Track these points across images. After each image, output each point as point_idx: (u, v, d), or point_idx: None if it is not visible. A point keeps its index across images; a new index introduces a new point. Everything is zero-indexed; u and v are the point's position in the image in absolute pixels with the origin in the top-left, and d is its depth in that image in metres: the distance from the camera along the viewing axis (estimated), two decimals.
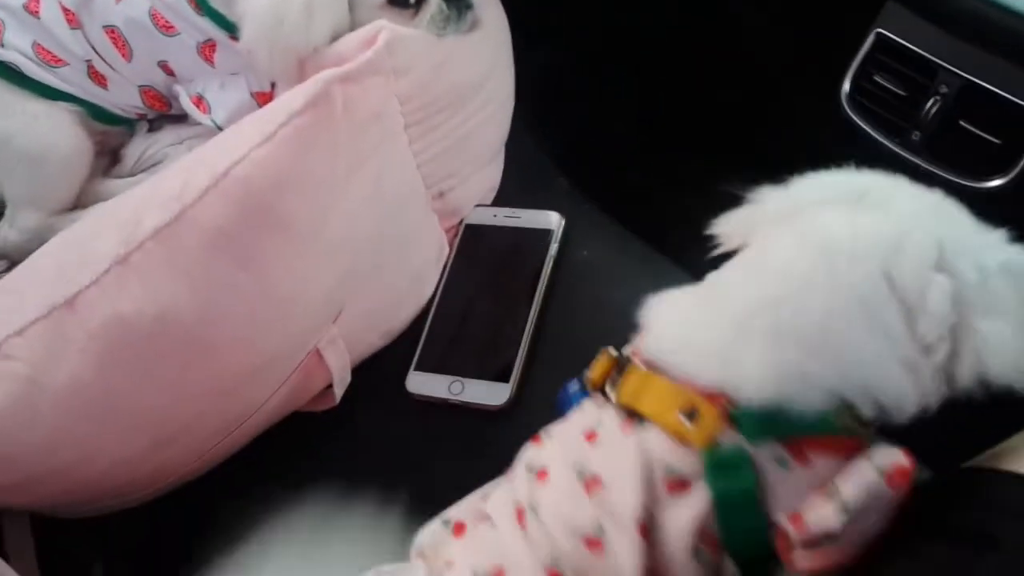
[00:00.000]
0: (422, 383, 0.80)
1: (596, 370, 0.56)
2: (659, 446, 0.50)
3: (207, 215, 0.65)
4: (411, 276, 0.83)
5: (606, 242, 0.87)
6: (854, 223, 0.50)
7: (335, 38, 0.76)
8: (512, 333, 0.79)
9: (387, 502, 0.75)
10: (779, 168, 0.97)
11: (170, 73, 0.87)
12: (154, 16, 0.84)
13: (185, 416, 0.70)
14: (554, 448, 0.56)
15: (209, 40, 0.84)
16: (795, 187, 0.58)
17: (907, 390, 0.48)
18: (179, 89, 0.87)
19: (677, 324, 0.53)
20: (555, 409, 0.61)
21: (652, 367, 0.53)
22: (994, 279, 0.49)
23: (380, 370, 0.82)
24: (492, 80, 0.86)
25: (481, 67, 0.84)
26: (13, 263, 0.85)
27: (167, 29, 0.84)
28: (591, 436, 0.54)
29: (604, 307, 0.81)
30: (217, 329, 0.68)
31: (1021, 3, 0.75)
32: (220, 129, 0.84)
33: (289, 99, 0.68)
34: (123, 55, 0.86)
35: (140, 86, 0.89)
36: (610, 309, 0.82)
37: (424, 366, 0.80)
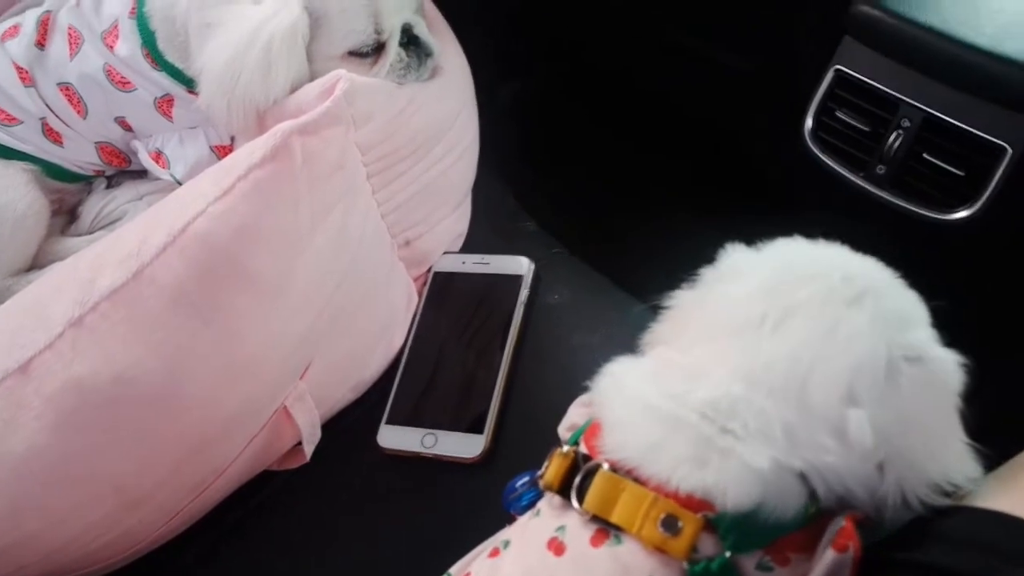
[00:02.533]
0: (394, 437, 0.77)
1: (552, 471, 0.52)
2: (638, 561, 0.47)
3: (166, 273, 0.64)
4: (379, 327, 0.81)
5: (577, 285, 0.86)
6: (761, 351, 0.49)
7: (294, 89, 0.75)
8: (485, 383, 0.78)
9: (362, 560, 0.74)
10: (747, 207, 0.98)
11: (128, 128, 0.86)
12: (109, 72, 0.82)
13: (152, 478, 0.68)
14: (515, 563, 0.52)
15: (166, 95, 0.83)
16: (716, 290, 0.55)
17: (861, 491, 0.47)
18: (137, 144, 0.86)
19: (642, 427, 0.50)
20: (503, 504, 0.58)
21: (619, 470, 0.49)
22: (908, 389, 0.47)
23: (351, 425, 0.80)
24: (455, 126, 0.85)
25: (443, 113, 0.83)
26: None
27: (123, 85, 0.83)
28: (557, 547, 0.50)
29: (577, 352, 0.80)
30: (180, 389, 0.65)
31: (977, 37, 0.77)
32: (180, 184, 0.82)
33: (247, 152, 0.67)
34: (78, 112, 0.84)
35: (97, 142, 0.87)
36: (583, 354, 0.81)
37: (396, 419, 0.78)
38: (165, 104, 0.83)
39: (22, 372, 0.63)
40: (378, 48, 0.78)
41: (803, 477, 0.47)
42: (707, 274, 0.57)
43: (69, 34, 0.83)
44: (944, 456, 0.48)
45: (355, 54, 0.77)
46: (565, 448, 0.53)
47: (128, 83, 0.82)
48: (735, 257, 0.56)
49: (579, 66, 1.17)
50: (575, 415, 0.62)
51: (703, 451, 0.47)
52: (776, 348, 0.48)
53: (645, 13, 1.07)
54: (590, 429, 0.54)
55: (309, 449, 0.76)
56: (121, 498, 0.67)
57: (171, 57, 0.81)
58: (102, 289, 0.63)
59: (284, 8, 0.74)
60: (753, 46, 0.98)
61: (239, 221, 0.65)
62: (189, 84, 0.81)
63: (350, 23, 0.76)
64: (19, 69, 0.84)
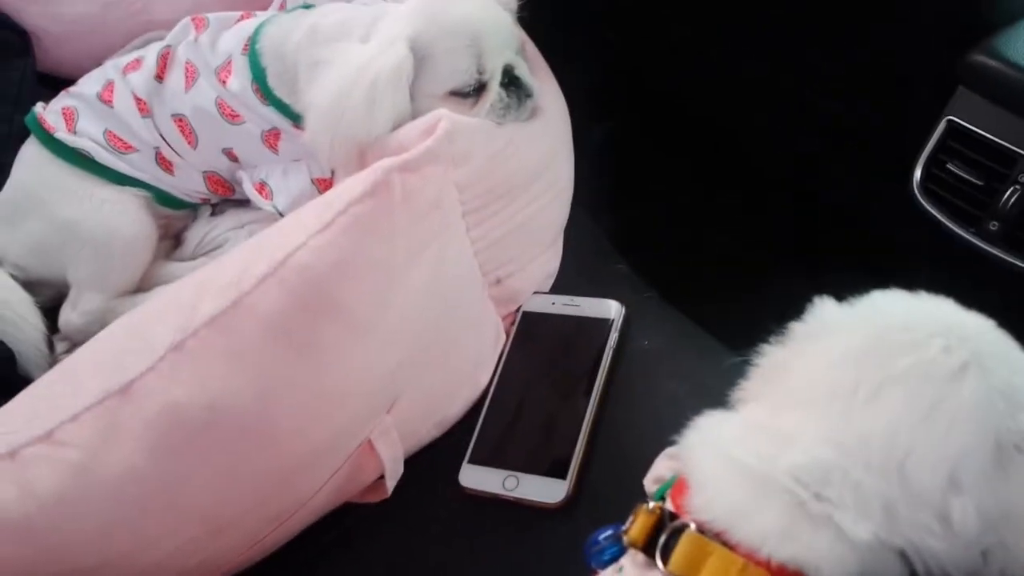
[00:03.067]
0: (476, 477, 0.77)
1: (637, 528, 0.51)
2: None
3: (264, 303, 0.65)
4: (467, 365, 0.81)
5: (667, 331, 0.85)
6: (855, 422, 0.46)
7: (396, 127, 0.76)
8: (570, 427, 0.77)
9: None
10: (852, 259, 0.95)
11: (234, 159, 0.89)
12: (220, 105, 0.86)
13: (239, 505, 0.69)
14: None
15: (273, 128, 0.86)
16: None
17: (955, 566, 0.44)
18: (242, 175, 0.89)
19: (732, 488, 0.48)
20: (585, 557, 0.56)
21: (707, 531, 0.48)
22: (1018, 477, 0.44)
23: (433, 461, 0.79)
24: (551, 167, 0.85)
25: (540, 154, 0.84)
26: (75, 345, 0.86)
27: (233, 118, 0.86)
28: None
29: (666, 401, 0.78)
30: (272, 418, 0.66)
31: None
32: (282, 215, 0.85)
33: (349, 187, 0.68)
34: (189, 142, 0.88)
35: (204, 171, 0.90)
36: (672, 403, 0.79)
37: (478, 459, 0.78)
38: (271, 137, 0.86)
39: (123, 393, 0.64)
40: (479, 88, 0.79)
41: (903, 555, 0.44)
42: (797, 329, 0.54)
43: (186, 68, 0.87)
44: None
45: (457, 93, 0.78)
46: (651, 504, 0.52)
47: (238, 116, 0.85)
48: (825, 313, 0.53)
49: (672, 112, 1.16)
50: (662, 468, 0.60)
51: (796, 518, 0.45)
52: (871, 422, 0.46)
53: (738, 59, 1.06)
54: (677, 485, 0.52)
55: (391, 484, 0.76)
56: (208, 524, 0.68)
57: (280, 93, 0.84)
58: (203, 316, 0.65)
59: (391, 48, 0.76)
60: (858, 93, 0.96)
61: (338, 255, 0.66)
62: (295, 119, 0.84)
63: (454, 63, 0.77)
64: (138, 100, 0.88)
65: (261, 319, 0.65)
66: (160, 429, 0.64)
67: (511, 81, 0.80)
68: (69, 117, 0.89)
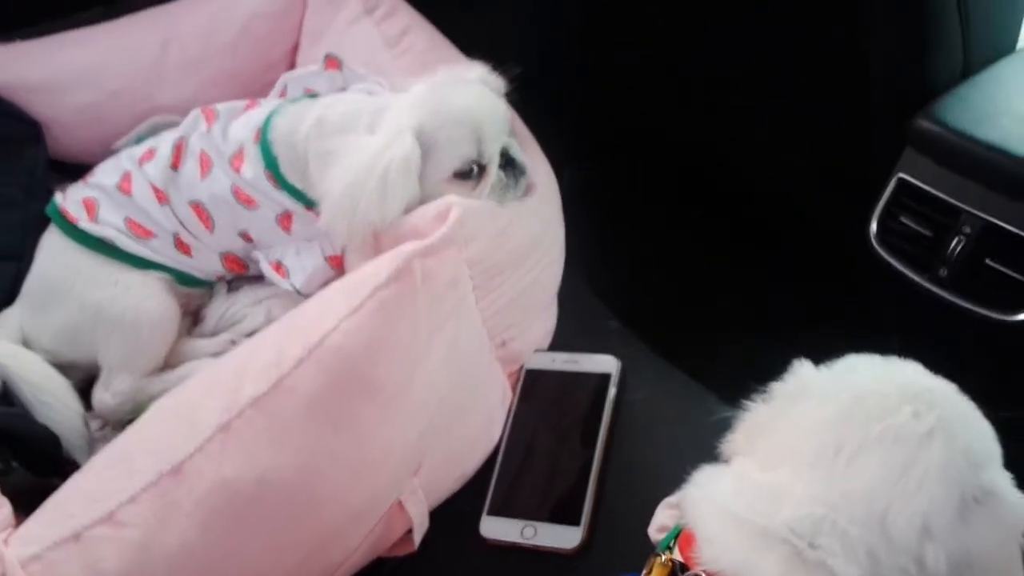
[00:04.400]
0: (495, 527, 0.83)
1: None
2: None
3: (303, 383, 0.71)
4: (480, 423, 0.88)
5: (663, 382, 0.92)
6: (838, 481, 0.53)
7: (407, 211, 0.83)
8: (578, 476, 0.84)
9: None
10: (822, 309, 1.04)
11: (249, 240, 0.95)
12: (235, 192, 0.92)
13: (286, 569, 0.75)
14: None
15: (286, 211, 0.92)
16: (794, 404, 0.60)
17: None
18: (258, 255, 0.95)
19: (735, 542, 0.54)
20: None
21: None
22: (978, 526, 0.52)
23: (454, 514, 0.86)
24: (547, 236, 0.93)
25: (538, 227, 0.91)
26: (107, 423, 0.92)
27: (248, 203, 0.92)
28: None
29: (664, 447, 0.86)
30: (314, 488, 0.73)
31: None
32: (299, 292, 0.91)
33: (373, 272, 0.75)
34: (207, 226, 0.94)
35: (222, 252, 0.96)
36: (670, 449, 0.87)
37: (496, 510, 0.84)
38: (285, 220, 0.92)
39: (175, 474, 0.70)
40: (480, 170, 0.86)
41: None
42: (778, 389, 0.62)
43: (201, 158, 0.93)
44: None
45: (460, 176, 0.86)
46: (663, 557, 0.58)
47: (252, 202, 0.92)
48: (804, 375, 0.61)
49: (645, 156, 1.24)
50: (663, 517, 0.67)
51: (795, 565, 0.52)
52: (853, 481, 0.53)
53: (710, 103, 1.14)
54: (684, 537, 0.59)
55: (418, 538, 0.82)
56: None
57: (292, 179, 0.90)
58: (246, 397, 0.71)
59: (398, 139, 0.83)
60: (820, 151, 1.05)
61: (368, 336, 0.73)
62: (307, 203, 0.90)
63: (457, 150, 0.85)
64: (155, 189, 0.93)
65: (301, 399, 0.71)
66: (212, 505, 0.70)
67: (507, 162, 0.87)
68: (91, 207, 0.95)
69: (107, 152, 1.04)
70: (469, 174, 0.86)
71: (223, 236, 0.94)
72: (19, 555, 0.68)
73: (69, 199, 0.97)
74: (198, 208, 0.93)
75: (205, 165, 0.93)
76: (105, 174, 0.98)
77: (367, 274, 0.75)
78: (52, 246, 0.95)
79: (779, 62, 1.02)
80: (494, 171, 0.86)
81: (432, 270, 0.75)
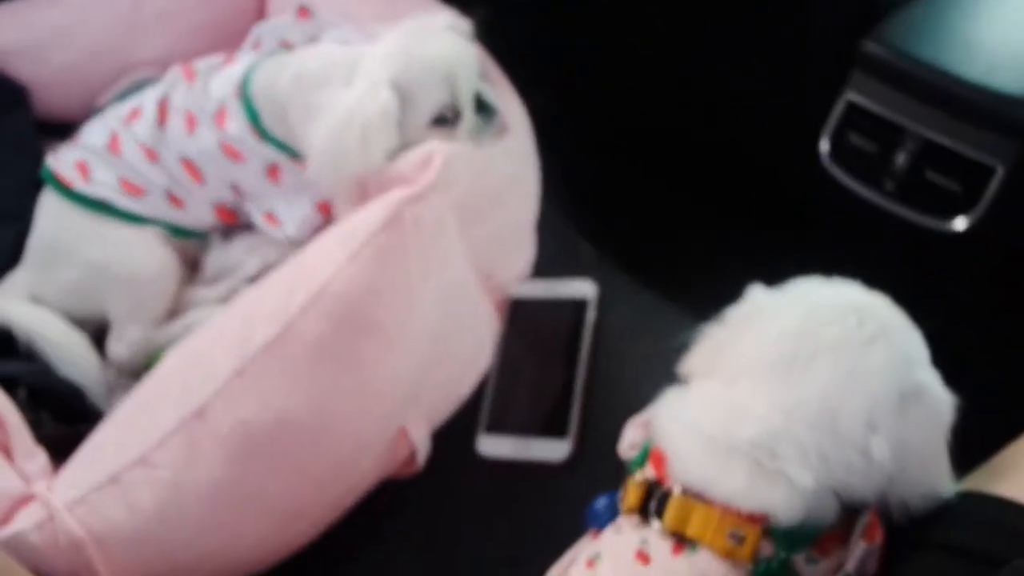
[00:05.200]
0: (490, 444, 0.92)
1: (631, 497, 0.64)
2: (712, 566, 0.59)
3: (309, 328, 0.77)
4: (472, 351, 0.95)
5: (637, 299, 1.00)
6: (795, 388, 0.60)
7: (390, 158, 0.88)
8: (564, 393, 0.92)
9: (471, 556, 0.88)
10: (780, 233, 1.11)
11: (239, 194, 0.99)
12: (223, 147, 0.95)
13: (305, 496, 0.82)
14: (612, 572, 0.63)
15: (273, 164, 0.96)
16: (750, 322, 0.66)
17: (875, 498, 0.61)
18: (250, 207, 0.99)
19: (704, 457, 0.61)
20: (585, 522, 0.69)
21: (688, 492, 0.61)
22: (913, 420, 0.59)
23: (452, 435, 0.93)
24: (522, 174, 0.99)
25: (513, 166, 0.97)
26: (122, 372, 0.97)
27: (235, 157, 0.96)
28: (644, 558, 0.62)
29: (641, 364, 0.93)
30: (326, 423, 0.80)
31: (969, 72, 0.89)
32: (289, 240, 0.96)
33: (366, 220, 0.80)
34: (197, 180, 0.97)
35: (213, 204, 1.00)
36: (646, 366, 0.94)
37: (490, 429, 0.92)
38: (272, 171, 0.96)
39: (198, 417, 0.76)
40: (456, 116, 0.91)
41: (835, 493, 0.60)
42: (733, 312, 0.68)
43: (186, 116, 0.96)
44: (933, 475, 0.62)
45: (438, 123, 0.90)
46: (638, 477, 0.65)
47: (239, 156, 0.95)
48: (758, 299, 0.67)
49: (597, 87, 1.29)
50: (632, 435, 0.72)
51: (756, 476, 0.59)
52: (808, 386, 0.60)
53: (657, 36, 1.19)
54: (654, 455, 0.65)
55: (422, 459, 0.90)
56: (282, 516, 0.82)
57: (276, 132, 0.94)
58: (257, 344, 0.77)
59: (375, 92, 0.86)
60: (766, 75, 1.10)
61: (366, 281, 0.79)
62: (292, 153, 0.94)
63: (433, 97, 0.89)
64: (145, 148, 0.97)
65: (308, 342, 0.78)
66: (233, 445, 0.77)
67: (480, 106, 0.92)
68: (84, 169, 0.98)
69: (91, 110, 1.06)
70: (446, 120, 0.91)
71: (214, 189, 0.98)
72: (63, 499, 0.75)
73: (61, 161, 0.99)
74: (188, 163, 0.97)
75: (191, 122, 0.96)
76: (93, 134, 1.00)
77: (361, 221, 0.81)
78: (50, 209, 0.99)
79: None
80: (469, 116, 0.90)
81: (421, 215, 0.81)
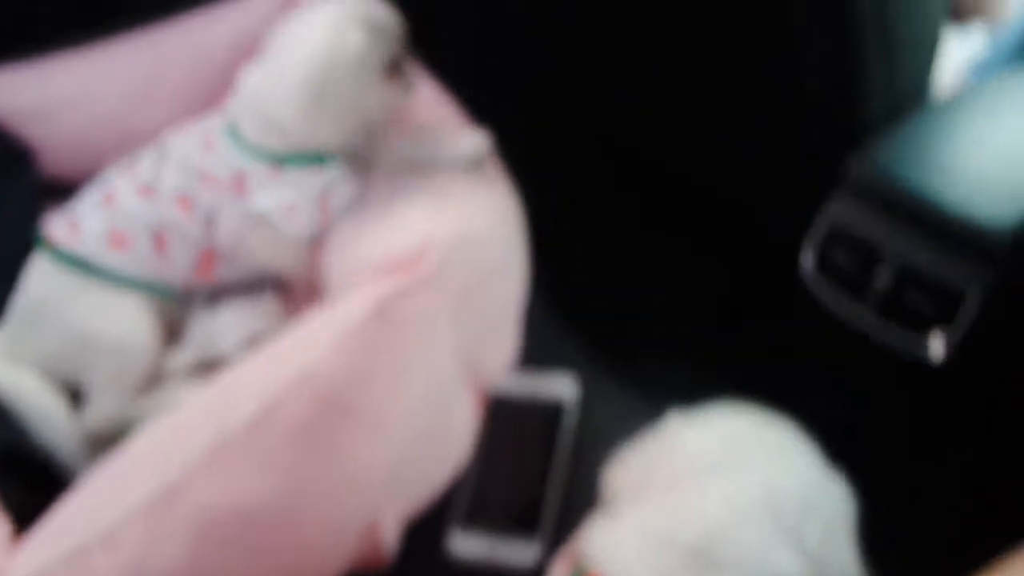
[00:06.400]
0: (461, 543, 0.90)
1: None
2: None
3: (290, 412, 0.77)
4: (450, 444, 0.94)
5: (618, 396, 1.00)
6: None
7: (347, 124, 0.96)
8: (539, 493, 0.91)
9: None
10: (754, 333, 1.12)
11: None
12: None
13: None
14: None
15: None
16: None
17: None
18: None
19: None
20: None
21: None
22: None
23: (422, 529, 0.92)
24: (513, 261, 1.00)
25: (503, 252, 0.98)
26: (96, 442, 0.95)
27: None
28: None
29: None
30: (299, 511, 0.78)
31: (947, 198, 0.93)
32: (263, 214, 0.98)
33: (354, 309, 0.81)
34: (186, 210, 0.98)
35: (200, 248, 0.99)
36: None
37: (462, 526, 0.91)
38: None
39: (167, 496, 0.74)
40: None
41: None
42: (652, 440, 0.72)
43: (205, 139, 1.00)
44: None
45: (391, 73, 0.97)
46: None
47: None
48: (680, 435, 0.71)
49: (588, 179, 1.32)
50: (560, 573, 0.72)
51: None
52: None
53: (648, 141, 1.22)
54: None
55: (390, 553, 0.88)
56: None
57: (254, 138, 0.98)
58: (235, 424, 0.76)
59: (344, 30, 0.93)
60: (751, 182, 1.14)
61: (351, 369, 0.78)
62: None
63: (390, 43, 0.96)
64: (143, 187, 0.98)
65: (287, 427, 0.77)
66: (202, 528, 0.75)
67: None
68: (74, 226, 0.99)
69: (95, 177, 1.06)
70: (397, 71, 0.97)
71: (201, 220, 0.99)
72: (23, 572, 0.73)
73: (54, 222, 1.00)
74: (183, 199, 0.98)
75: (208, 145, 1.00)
76: (91, 191, 1.02)
77: (349, 310, 0.81)
78: (37, 269, 0.98)
79: (715, 90, 1.10)
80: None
81: (410, 309, 0.82)
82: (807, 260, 1.04)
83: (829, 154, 1.02)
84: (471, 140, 1.00)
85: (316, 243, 1.01)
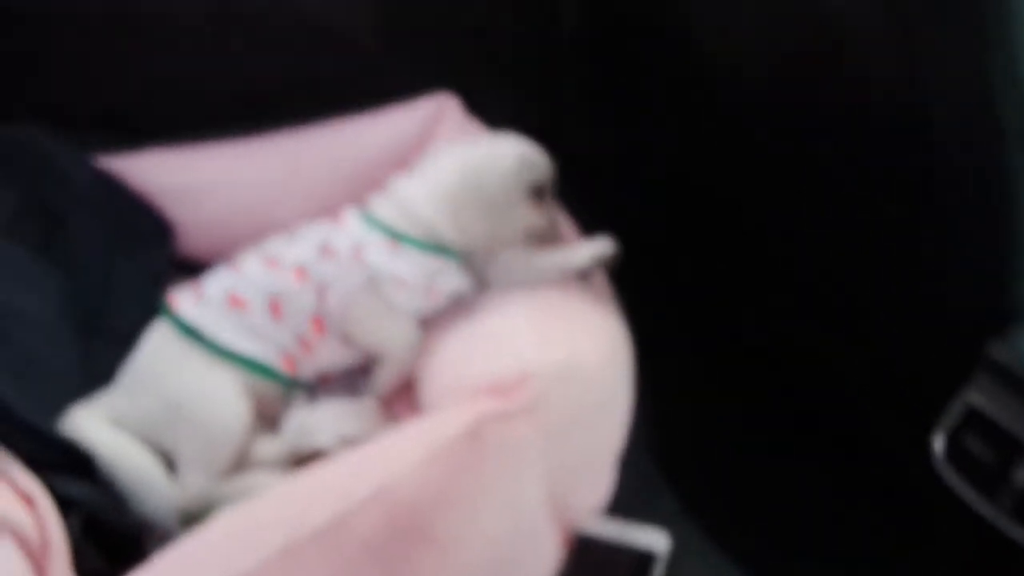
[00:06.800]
0: None
1: None
2: None
3: (364, 524, 0.75)
4: None
5: (710, 560, 0.94)
6: None
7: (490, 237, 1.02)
8: None
9: None
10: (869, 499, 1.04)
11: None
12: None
13: None
14: None
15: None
16: None
17: None
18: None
19: None
20: None
21: None
22: None
23: None
24: (617, 398, 0.96)
25: (609, 390, 0.95)
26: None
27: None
28: None
29: None
30: None
31: None
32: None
33: (446, 425, 0.79)
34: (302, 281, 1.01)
35: (312, 314, 1.00)
36: None
37: None
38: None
39: None
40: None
41: None
42: None
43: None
44: None
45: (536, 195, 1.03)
46: None
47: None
48: None
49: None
50: None
51: None
52: None
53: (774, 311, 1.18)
54: None
55: None
56: None
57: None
58: (307, 528, 0.74)
59: (505, 146, 1.04)
60: (885, 356, 1.07)
61: (434, 488, 0.76)
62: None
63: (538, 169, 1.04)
64: (267, 259, 1.03)
65: (360, 538, 0.75)
66: None
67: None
68: (198, 291, 1.03)
69: (227, 258, 1.11)
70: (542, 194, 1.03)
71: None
72: None
73: (181, 290, 1.04)
74: (299, 269, 1.01)
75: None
76: (221, 267, 1.06)
77: (441, 425, 0.80)
78: (152, 334, 1.02)
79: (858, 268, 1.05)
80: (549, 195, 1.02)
81: (505, 435, 0.80)
82: (938, 444, 0.96)
83: (969, 339, 0.95)
84: (588, 249, 1.01)
85: (420, 346, 1.02)
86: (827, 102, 0.97)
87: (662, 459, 1.07)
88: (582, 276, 1.00)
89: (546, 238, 1.06)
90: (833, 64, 0.95)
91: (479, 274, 1.04)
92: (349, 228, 1.04)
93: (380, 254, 1.01)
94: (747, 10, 1.09)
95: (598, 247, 1.01)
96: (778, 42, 1.06)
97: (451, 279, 1.01)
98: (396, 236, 1.02)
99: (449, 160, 1.06)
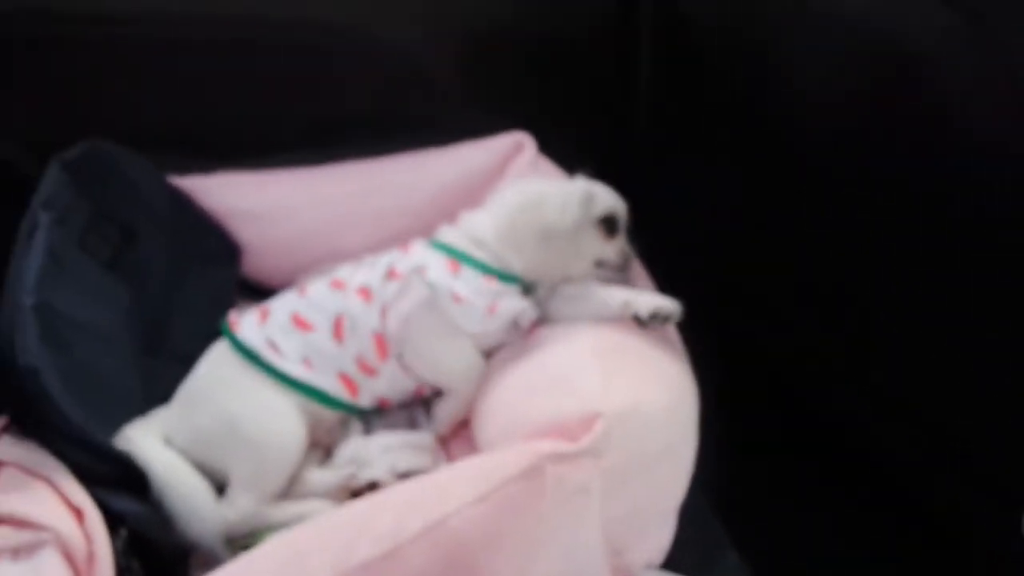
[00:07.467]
0: None
1: None
2: None
3: (415, 558, 0.72)
4: None
5: None
6: None
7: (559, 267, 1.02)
8: None
9: None
10: None
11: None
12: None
13: None
14: None
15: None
16: None
17: None
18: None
19: None
20: None
21: None
22: None
23: None
24: (681, 447, 0.91)
25: (673, 437, 0.90)
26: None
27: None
28: None
29: None
30: None
31: None
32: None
33: (505, 464, 0.76)
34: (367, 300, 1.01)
35: (375, 332, 0.99)
36: None
37: None
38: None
39: None
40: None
41: None
42: None
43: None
44: None
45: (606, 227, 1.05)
46: None
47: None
48: None
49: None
50: None
51: None
52: None
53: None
54: None
55: None
56: None
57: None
58: (358, 558, 0.72)
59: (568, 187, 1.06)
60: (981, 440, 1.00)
61: (488, 527, 0.73)
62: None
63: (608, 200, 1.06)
64: (333, 280, 1.03)
65: (409, 572, 0.72)
66: None
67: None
68: (263, 313, 1.02)
69: (292, 282, 1.12)
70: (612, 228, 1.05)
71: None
72: None
73: (244, 313, 1.04)
74: (363, 289, 1.01)
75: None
76: (287, 291, 1.06)
77: (499, 463, 0.77)
78: (212, 354, 1.02)
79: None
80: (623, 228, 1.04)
81: (565, 476, 0.76)
82: None
83: None
84: (655, 301, 0.97)
85: (481, 376, 1.00)
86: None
87: (729, 516, 1.01)
88: (640, 324, 0.96)
89: (618, 271, 1.05)
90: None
91: (541, 306, 1.02)
92: (414, 252, 1.04)
93: (440, 272, 1.00)
94: (824, 56, 1.07)
95: (665, 304, 0.96)
96: (856, 92, 1.03)
97: (512, 302, 0.99)
98: (458, 256, 1.02)
99: (512, 192, 1.07)
